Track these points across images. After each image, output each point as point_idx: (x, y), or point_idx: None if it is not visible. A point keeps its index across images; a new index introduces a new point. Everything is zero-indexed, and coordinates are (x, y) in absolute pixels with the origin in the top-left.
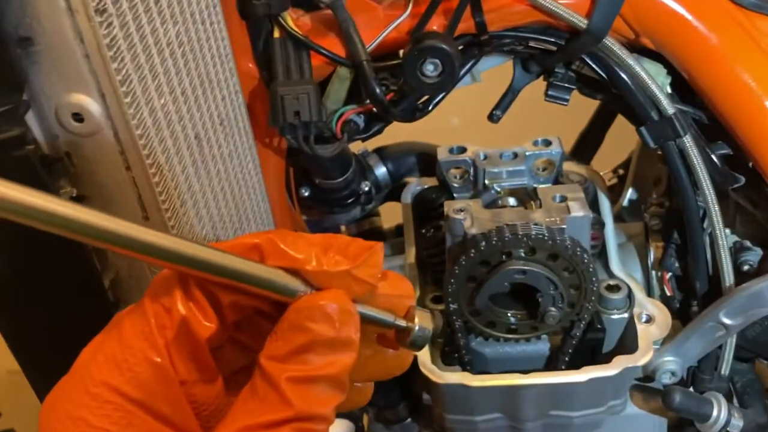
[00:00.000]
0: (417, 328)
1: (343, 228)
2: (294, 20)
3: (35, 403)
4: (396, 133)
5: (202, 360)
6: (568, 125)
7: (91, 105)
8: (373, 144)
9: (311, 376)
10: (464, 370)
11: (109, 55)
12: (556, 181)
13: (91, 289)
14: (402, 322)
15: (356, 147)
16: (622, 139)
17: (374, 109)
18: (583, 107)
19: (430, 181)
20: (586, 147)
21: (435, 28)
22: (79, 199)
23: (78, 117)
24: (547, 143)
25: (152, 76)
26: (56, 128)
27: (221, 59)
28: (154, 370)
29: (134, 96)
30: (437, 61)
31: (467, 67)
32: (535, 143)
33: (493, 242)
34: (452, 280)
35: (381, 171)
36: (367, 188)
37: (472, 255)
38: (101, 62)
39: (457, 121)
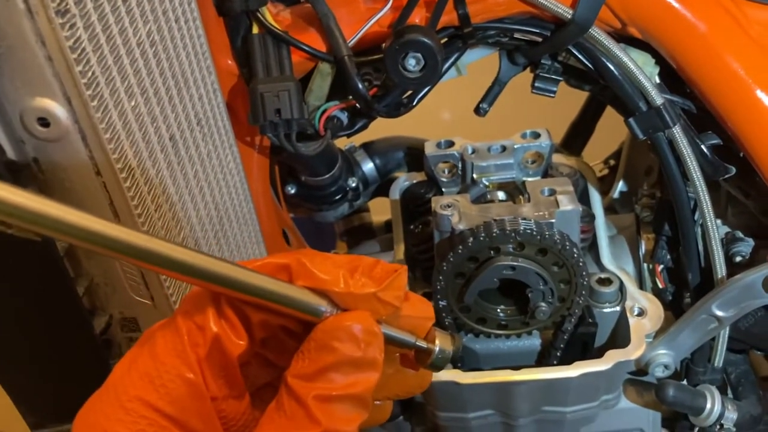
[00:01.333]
0: (437, 349)
1: None
2: (273, 15)
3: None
4: (386, 127)
5: (233, 377)
6: (561, 116)
7: (57, 109)
8: (362, 138)
9: (337, 395)
10: (455, 367)
11: (73, 58)
12: (546, 174)
13: (64, 296)
14: (423, 344)
15: (345, 142)
16: (614, 128)
17: (358, 104)
18: (575, 97)
19: (419, 176)
20: (576, 138)
21: (417, 21)
22: None
23: (44, 122)
24: (536, 135)
25: (121, 77)
26: (22, 133)
27: (197, 57)
28: (186, 386)
29: (102, 99)
30: (419, 55)
31: (451, 60)
32: (524, 136)
33: (481, 238)
34: (441, 277)
35: (368, 167)
36: (354, 184)
37: (459, 251)
38: (65, 65)
39: (448, 114)
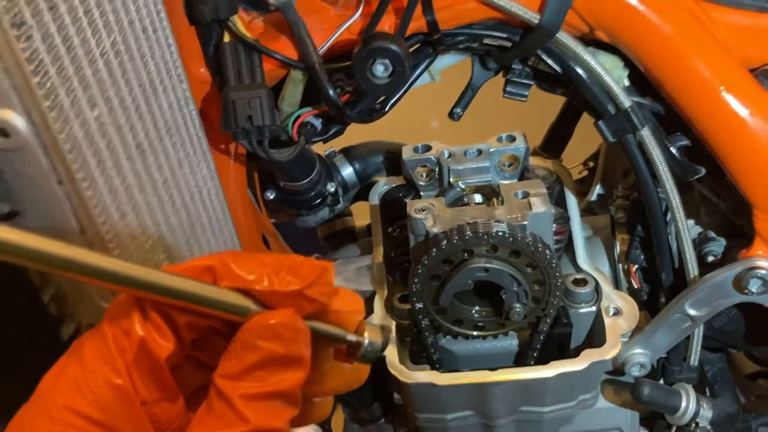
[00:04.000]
0: (367, 342)
1: None
2: (246, 23)
3: None
4: (369, 132)
5: (163, 380)
6: (542, 119)
7: (16, 120)
8: (344, 143)
9: (264, 393)
10: (434, 368)
11: (29, 69)
12: (522, 177)
13: (30, 304)
14: (353, 337)
15: (325, 148)
16: (595, 130)
17: (330, 111)
18: (556, 101)
19: (398, 180)
20: (555, 141)
21: (386, 28)
22: (12, 215)
23: (3, 132)
24: (512, 139)
25: (83, 87)
26: None
27: (167, 66)
28: (115, 392)
29: (61, 109)
30: (387, 61)
31: (422, 66)
32: (500, 139)
33: (454, 241)
34: (416, 280)
35: (348, 171)
36: (333, 189)
37: (434, 254)
38: (22, 77)
39: (431, 119)
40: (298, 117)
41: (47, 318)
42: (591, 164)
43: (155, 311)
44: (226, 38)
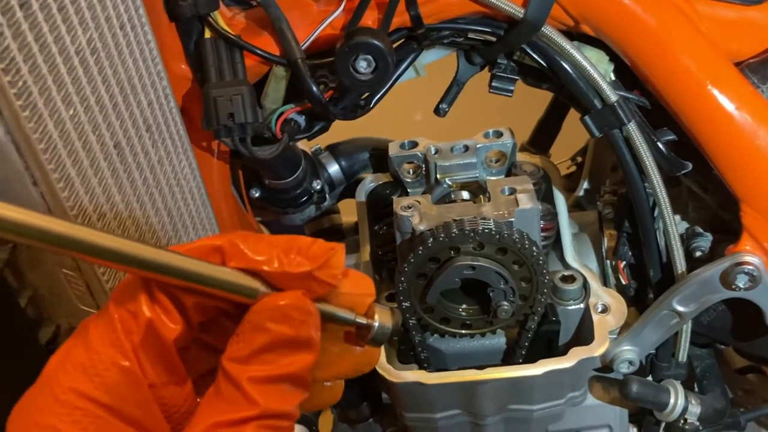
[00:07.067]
0: (377, 325)
1: None
2: (228, 19)
3: None
4: (357, 128)
5: (170, 362)
6: (530, 114)
7: None
8: (333, 139)
9: (273, 376)
10: (421, 367)
11: (0, 68)
12: (510, 173)
13: (6, 307)
14: (363, 320)
15: (311, 145)
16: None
17: (313, 107)
18: (545, 95)
19: (385, 177)
20: (543, 136)
21: (369, 23)
22: None
23: None
24: (499, 134)
25: (58, 86)
26: None
27: (146, 63)
28: (122, 374)
29: (35, 109)
30: (369, 57)
31: (407, 61)
32: (486, 135)
33: (441, 238)
34: (403, 278)
35: (334, 168)
36: (319, 186)
37: (420, 252)
38: None
39: (419, 115)
40: (282, 114)
41: (25, 321)
42: (579, 159)
43: (162, 292)
44: (207, 34)
